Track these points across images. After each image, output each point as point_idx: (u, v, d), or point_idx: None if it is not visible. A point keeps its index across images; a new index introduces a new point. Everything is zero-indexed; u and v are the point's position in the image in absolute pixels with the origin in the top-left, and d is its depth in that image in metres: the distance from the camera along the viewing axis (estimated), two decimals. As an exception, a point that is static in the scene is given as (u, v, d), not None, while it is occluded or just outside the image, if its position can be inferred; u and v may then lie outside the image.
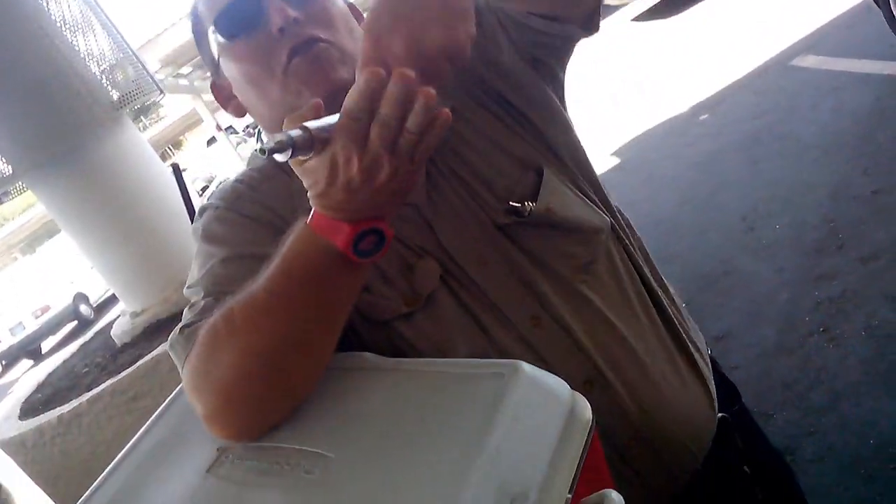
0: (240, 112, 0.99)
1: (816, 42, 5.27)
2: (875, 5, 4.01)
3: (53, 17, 3.10)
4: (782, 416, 2.29)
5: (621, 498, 0.66)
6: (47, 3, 3.09)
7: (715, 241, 3.57)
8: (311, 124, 0.63)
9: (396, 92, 0.60)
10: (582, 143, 1.02)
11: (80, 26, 3.21)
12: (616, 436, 0.90)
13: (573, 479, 0.67)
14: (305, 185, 0.68)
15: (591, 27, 0.94)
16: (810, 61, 5.04)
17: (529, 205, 0.88)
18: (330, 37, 0.89)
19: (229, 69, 0.94)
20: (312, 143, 0.62)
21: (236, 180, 0.98)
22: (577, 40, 0.96)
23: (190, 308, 0.88)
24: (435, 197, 0.89)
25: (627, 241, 0.98)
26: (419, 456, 0.66)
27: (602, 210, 0.96)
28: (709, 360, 1.05)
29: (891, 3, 3.87)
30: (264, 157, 0.61)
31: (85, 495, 0.87)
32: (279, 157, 0.61)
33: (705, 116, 5.31)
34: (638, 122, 5.93)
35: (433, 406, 0.72)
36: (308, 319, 0.74)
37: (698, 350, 1.02)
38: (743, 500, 1.03)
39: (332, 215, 0.68)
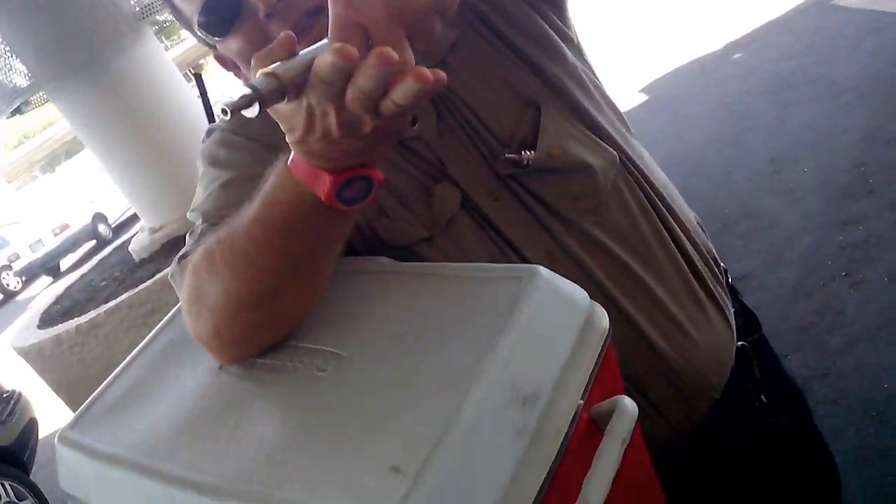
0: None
1: (861, -20, 5.06)
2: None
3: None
4: (797, 357, 2.28)
5: (634, 405, 0.66)
6: None
7: (739, 183, 3.51)
8: (281, 68, 0.54)
9: (375, 73, 0.52)
10: (590, 69, 0.98)
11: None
12: (633, 368, 0.89)
13: (587, 384, 0.66)
14: (282, 128, 0.61)
15: None
16: (853, 0, 4.85)
17: (528, 154, 0.86)
18: (322, 1, 0.81)
19: (229, 53, 0.88)
20: (284, 91, 0.54)
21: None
22: None
23: (190, 234, 0.87)
24: (445, 132, 0.88)
25: (640, 175, 0.95)
26: (432, 355, 0.66)
27: (609, 144, 0.93)
28: (727, 292, 1.04)
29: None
30: (227, 117, 0.52)
31: (98, 390, 0.88)
32: (248, 113, 0.53)
33: (738, 55, 5.16)
34: (668, 59, 5.78)
35: (449, 307, 0.70)
36: (290, 266, 0.70)
37: (718, 282, 1.01)
38: (758, 430, 1.03)
39: (313, 162, 0.62)
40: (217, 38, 0.85)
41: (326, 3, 0.77)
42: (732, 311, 1.03)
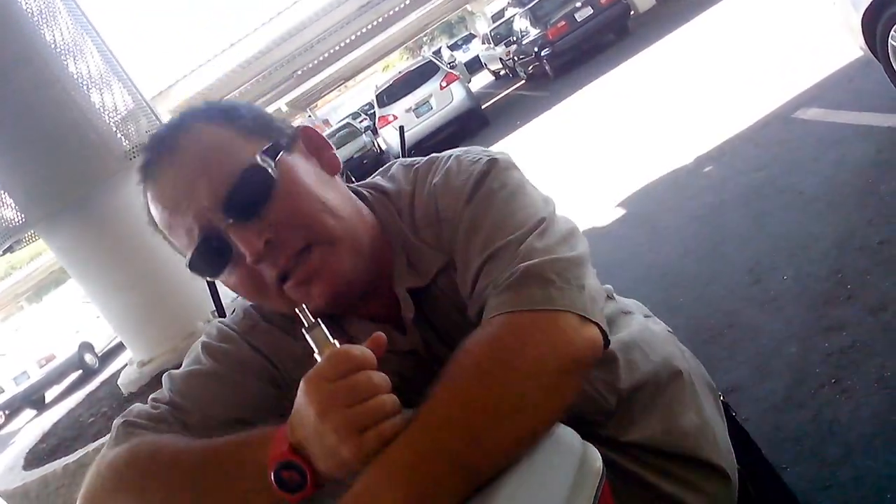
0: None
1: (818, 95, 5.33)
2: (875, 59, 4.08)
3: (70, 71, 3.18)
4: (795, 470, 2.26)
5: (635, 548, 0.67)
6: (65, 57, 3.17)
7: (719, 294, 3.57)
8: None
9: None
10: None
11: (96, 79, 3.29)
12: None
13: (587, 529, 0.67)
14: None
15: None
16: (812, 114, 5.10)
17: None
18: (309, 238, 0.85)
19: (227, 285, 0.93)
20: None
21: (254, 306, 1.00)
22: None
23: (154, 396, 0.93)
24: (432, 344, 0.94)
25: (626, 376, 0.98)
26: None
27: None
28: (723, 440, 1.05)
29: (890, 56, 3.94)
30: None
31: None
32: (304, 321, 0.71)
33: (709, 168, 5.35)
34: (642, 174, 5.98)
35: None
36: None
37: (714, 443, 1.02)
38: None
39: (290, 426, 0.71)
40: (211, 279, 0.90)
41: (313, 240, 0.84)
42: (735, 461, 1.04)
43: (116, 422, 0.90)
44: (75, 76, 3.21)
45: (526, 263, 0.79)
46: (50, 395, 15.41)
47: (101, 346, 15.64)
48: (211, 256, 0.85)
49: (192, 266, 0.87)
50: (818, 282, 3.15)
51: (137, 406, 0.92)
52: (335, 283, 0.84)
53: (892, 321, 2.65)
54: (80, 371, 15.02)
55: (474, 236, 0.85)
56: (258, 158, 0.84)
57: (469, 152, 0.95)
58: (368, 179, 1.03)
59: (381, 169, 1.06)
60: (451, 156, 0.95)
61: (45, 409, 14.34)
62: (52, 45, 3.15)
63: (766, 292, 3.32)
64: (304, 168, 0.89)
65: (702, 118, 6.58)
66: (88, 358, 15.08)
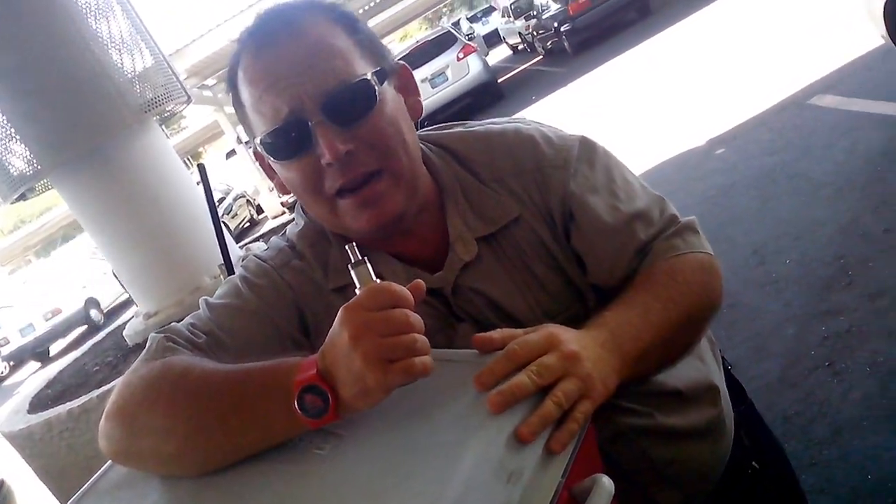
0: (284, 190, 0.98)
1: (836, 82, 5.30)
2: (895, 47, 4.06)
3: (92, 26, 3.18)
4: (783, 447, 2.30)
5: (611, 483, 0.70)
6: (90, 15, 3.18)
7: (723, 274, 3.55)
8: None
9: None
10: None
11: (116, 36, 3.29)
12: (640, 480, 0.96)
13: (567, 464, 0.71)
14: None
15: None
16: (828, 101, 5.07)
17: None
18: (382, 164, 0.88)
19: (276, 169, 0.95)
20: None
21: (288, 244, 1.02)
22: None
23: (193, 322, 0.95)
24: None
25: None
26: (424, 435, 0.71)
27: None
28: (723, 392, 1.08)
29: (909, 47, 3.92)
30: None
31: (104, 468, 0.90)
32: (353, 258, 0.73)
33: (721, 151, 5.35)
34: (653, 155, 5.98)
35: (440, 391, 0.76)
36: (214, 428, 0.77)
37: (715, 394, 1.05)
38: (749, 495, 1.09)
39: (321, 353, 0.72)
40: (275, 160, 0.91)
41: (385, 168, 0.89)
42: (732, 413, 1.07)
43: (154, 335, 0.92)
44: (97, 32, 3.22)
45: (685, 220, 1.00)
46: (54, 349, 15.58)
47: (107, 303, 15.76)
48: (287, 141, 0.87)
49: (265, 144, 0.89)
50: (821, 266, 3.17)
51: (176, 326, 0.94)
52: (386, 216, 0.89)
53: (889, 308, 2.67)
54: (86, 326, 15.16)
55: (605, 191, 0.99)
56: (370, 76, 0.87)
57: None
58: (426, 133, 1.06)
59: (438, 126, 1.08)
60: (518, 120, 1.04)
61: (48, 363, 14.51)
62: (77, 4, 3.16)
63: (768, 274, 3.34)
64: (396, 101, 0.92)
65: (717, 101, 6.55)
66: (94, 314, 15.21)
